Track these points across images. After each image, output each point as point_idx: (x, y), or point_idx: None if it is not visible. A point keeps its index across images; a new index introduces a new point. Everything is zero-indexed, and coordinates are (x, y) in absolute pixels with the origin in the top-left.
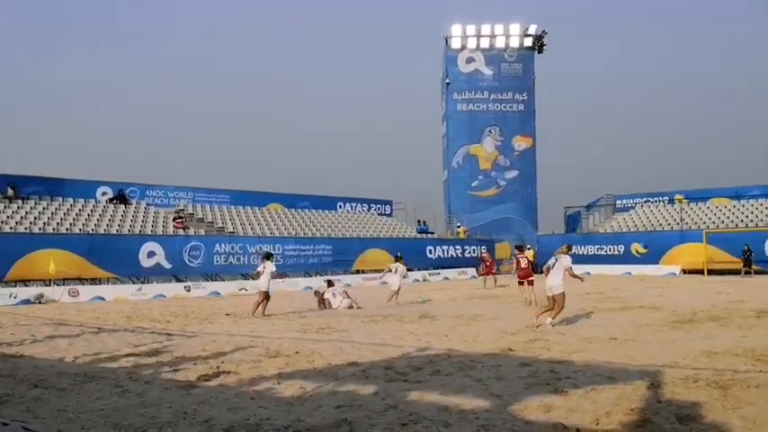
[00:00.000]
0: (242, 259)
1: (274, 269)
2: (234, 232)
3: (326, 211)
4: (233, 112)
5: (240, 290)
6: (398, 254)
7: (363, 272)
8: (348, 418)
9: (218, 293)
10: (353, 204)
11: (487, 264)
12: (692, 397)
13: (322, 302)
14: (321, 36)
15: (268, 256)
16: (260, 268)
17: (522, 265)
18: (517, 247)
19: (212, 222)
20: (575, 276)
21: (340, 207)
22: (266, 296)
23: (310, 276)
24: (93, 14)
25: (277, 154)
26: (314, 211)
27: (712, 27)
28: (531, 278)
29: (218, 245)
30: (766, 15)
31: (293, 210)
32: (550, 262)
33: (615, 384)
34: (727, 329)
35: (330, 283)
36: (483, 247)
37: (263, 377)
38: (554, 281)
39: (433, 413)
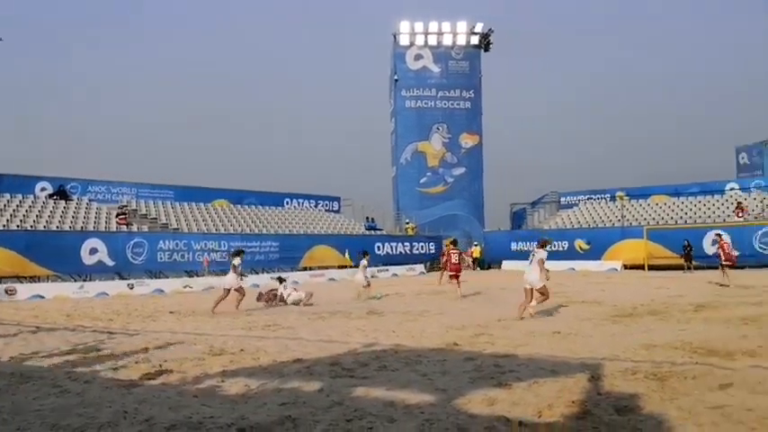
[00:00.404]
0: (186, 256)
1: (238, 264)
2: (178, 229)
3: (273, 208)
4: (184, 107)
5: (185, 287)
6: (364, 249)
7: (311, 269)
8: (292, 415)
9: (162, 291)
10: (301, 201)
11: (446, 259)
12: (630, 389)
13: (272, 300)
14: (265, 28)
15: (238, 253)
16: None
17: (453, 260)
18: (451, 242)
19: (156, 219)
20: (543, 269)
21: (287, 203)
22: (241, 292)
23: (257, 273)
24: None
25: (222, 149)
26: (260, 207)
27: (652, 25)
28: (460, 273)
29: (162, 242)
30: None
31: (239, 206)
32: (530, 258)
33: (557, 377)
34: (665, 323)
35: (281, 280)
36: (445, 240)
37: (207, 375)
38: (532, 276)
39: (378, 408)
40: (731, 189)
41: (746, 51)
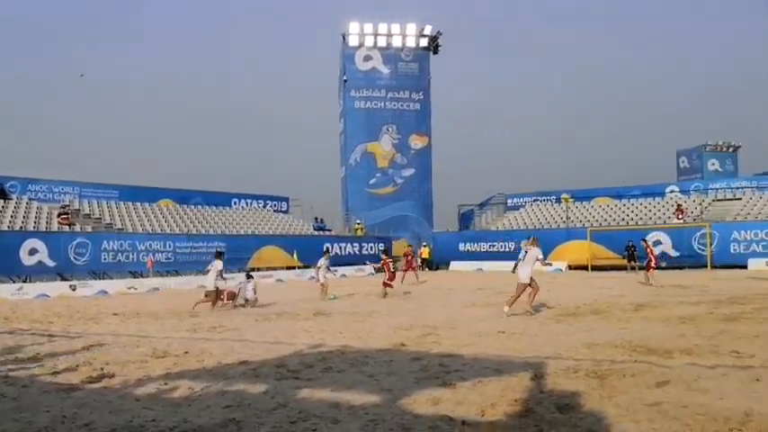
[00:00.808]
0: (131, 257)
1: (221, 268)
2: (123, 229)
3: (220, 208)
4: (126, 104)
5: (129, 288)
6: (326, 246)
7: (259, 269)
8: (236, 417)
9: (106, 292)
10: (248, 201)
11: (408, 259)
12: (572, 387)
13: (233, 298)
14: (215, 27)
15: (218, 255)
16: (209, 266)
17: (391, 269)
18: (384, 252)
19: (100, 218)
20: (544, 263)
21: (234, 203)
22: (216, 294)
23: (204, 275)
24: None
25: (169, 148)
26: (207, 207)
27: (595, 30)
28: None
29: (105, 242)
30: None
31: (185, 206)
32: (521, 255)
33: (501, 376)
34: (607, 322)
35: (249, 276)
36: (409, 244)
37: (150, 378)
38: (524, 271)
39: (323, 410)
40: (671, 192)
41: (686, 58)
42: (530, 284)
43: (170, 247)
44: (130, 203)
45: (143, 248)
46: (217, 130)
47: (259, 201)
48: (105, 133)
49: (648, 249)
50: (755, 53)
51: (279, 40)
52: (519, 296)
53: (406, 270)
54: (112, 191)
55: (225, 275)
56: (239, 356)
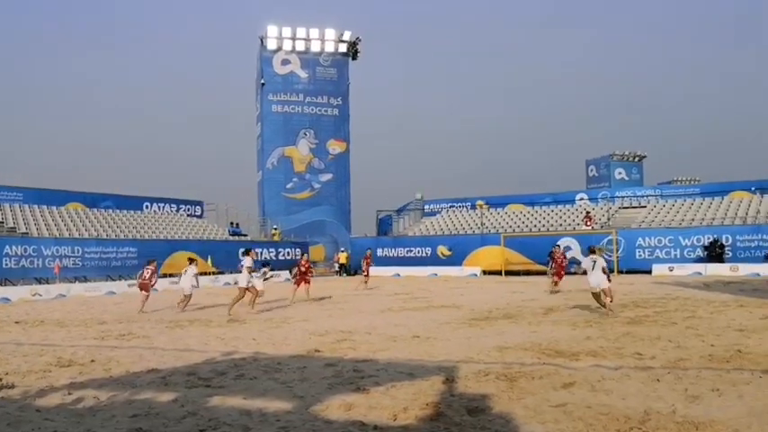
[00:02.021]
0: (36, 262)
1: (196, 271)
2: (27, 233)
3: (132, 212)
4: (34, 104)
5: (33, 295)
6: (247, 248)
7: (171, 275)
8: (143, 427)
9: (8, 299)
10: (161, 205)
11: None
12: (482, 390)
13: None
14: (130, 25)
15: (247, 252)
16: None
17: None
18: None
19: (2, 222)
20: (606, 273)
21: (146, 207)
22: (253, 291)
23: (113, 280)
24: None
25: (78, 150)
26: (118, 211)
27: (510, 39)
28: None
29: (8, 247)
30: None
31: (95, 209)
32: (587, 264)
33: (414, 380)
34: (518, 326)
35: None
36: (368, 249)
37: (53, 388)
38: (598, 278)
39: (233, 418)
40: (581, 199)
41: (596, 72)
42: (607, 290)
43: (78, 252)
44: (36, 207)
45: (49, 253)
46: (129, 132)
47: (172, 205)
48: (9, 134)
49: (561, 257)
50: (662, 69)
51: (195, 41)
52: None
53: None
54: (17, 193)
55: (255, 271)
56: (148, 364)
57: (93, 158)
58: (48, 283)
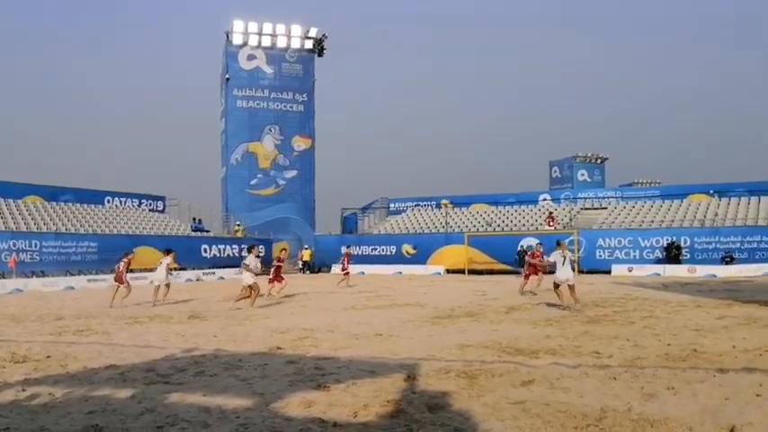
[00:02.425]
0: None
1: (169, 261)
2: None
3: (92, 206)
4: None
5: None
6: (167, 248)
7: (132, 271)
8: (99, 423)
9: None
10: (123, 199)
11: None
12: (442, 387)
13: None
14: (95, 18)
15: (250, 249)
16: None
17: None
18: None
19: None
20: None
21: (108, 202)
22: (255, 288)
23: (73, 275)
24: None
25: (38, 143)
26: (78, 205)
27: (477, 40)
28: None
29: None
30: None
31: (54, 203)
32: (557, 258)
33: (375, 378)
34: (479, 324)
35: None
36: (348, 246)
37: (6, 384)
38: (569, 272)
39: (192, 414)
40: (544, 200)
41: (559, 74)
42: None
43: (36, 246)
44: None
45: (5, 247)
46: (92, 127)
47: (134, 199)
48: None
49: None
50: (625, 72)
51: (159, 34)
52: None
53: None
54: None
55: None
56: (107, 360)
57: (53, 152)
58: (3, 278)
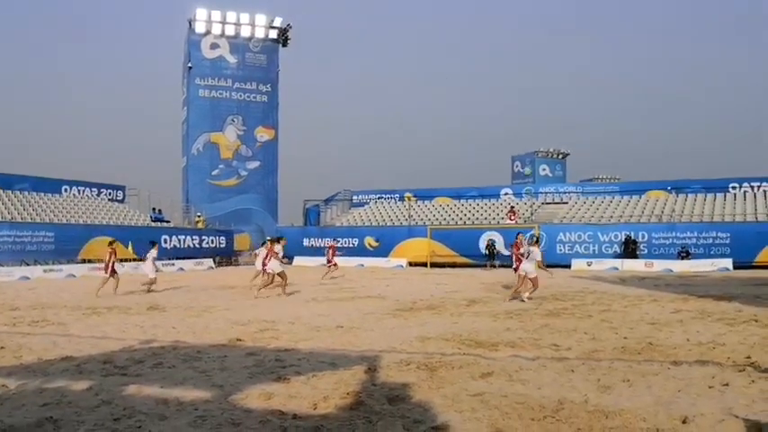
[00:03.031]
0: None
1: (155, 254)
2: None
3: (49, 195)
4: None
5: None
6: (152, 240)
7: (90, 261)
8: (54, 416)
9: None
10: (81, 188)
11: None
12: (403, 379)
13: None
14: (50, 4)
15: (278, 240)
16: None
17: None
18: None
19: None
20: (542, 267)
21: (65, 191)
22: (283, 276)
23: (28, 265)
24: None
25: None
26: (34, 193)
27: (445, 35)
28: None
29: None
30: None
31: (9, 191)
32: (523, 250)
33: (336, 370)
34: (440, 317)
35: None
36: (328, 239)
37: None
38: (529, 266)
39: (149, 406)
40: (506, 194)
41: (523, 70)
42: (533, 279)
43: None
44: None
45: None
46: (50, 113)
47: (93, 189)
48: None
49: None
50: (588, 69)
51: (120, 21)
52: (536, 286)
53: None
54: None
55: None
56: (62, 352)
57: (8, 139)
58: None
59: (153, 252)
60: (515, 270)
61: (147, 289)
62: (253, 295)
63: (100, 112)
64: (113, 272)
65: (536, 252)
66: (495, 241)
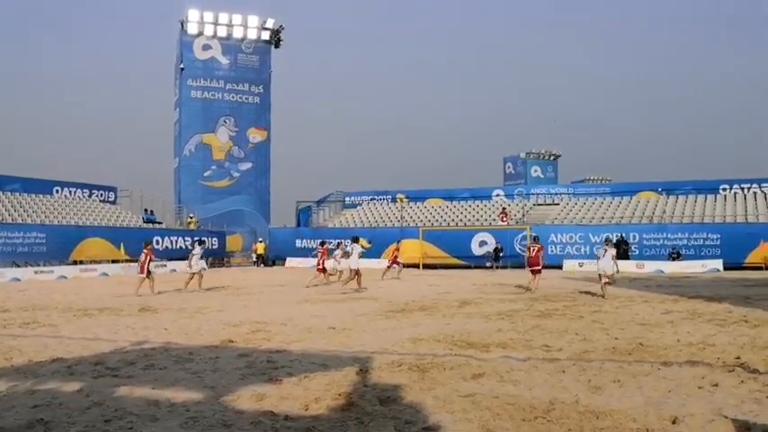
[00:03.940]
0: None
1: (201, 252)
2: None
3: (40, 196)
4: None
5: None
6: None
7: (81, 262)
8: (45, 417)
9: None
10: (72, 189)
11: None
12: (394, 380)
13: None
14: (42, 2)
15: (356, 240)
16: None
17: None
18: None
19: None
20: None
21: (57, 192)
22: (358, 273)
23: (19, 267)
24: None
25: None
26: (25, 194)
27: (438, 35)
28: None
29: None
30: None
31: (0, 192)
32: (600, 252)
33: (328, 371)
34: (432, 318)
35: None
36: (320, 241)
37: None
38: (606, 264)
39: (141, 408)
40: (497, 195)
41: (515, 71)
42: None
43: None
44: None
45: None
46: (42, 114)
47: (84, 190)
48: None
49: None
50: (581, 72)
51: (112, 21)
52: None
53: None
54: None
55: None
56: (53, 353)
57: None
58: None
59: (355, 246)
60: (533, 272)
61: (200, 287)
62: (340, 291)
63: (92, 112)
64: (149, 272)
65: (611, 252)
66: (502, 246)
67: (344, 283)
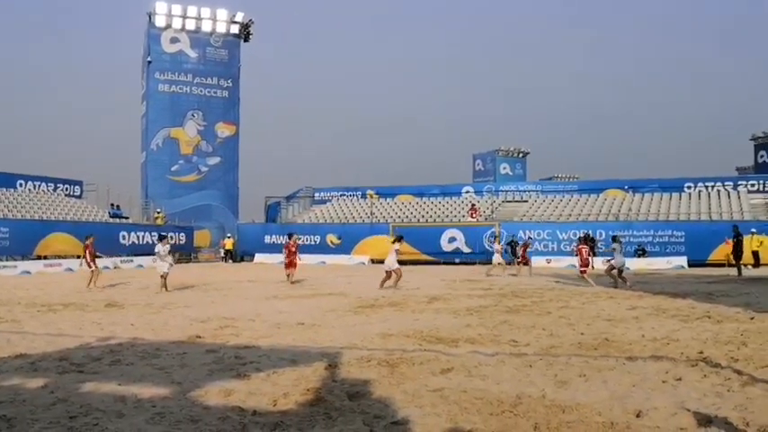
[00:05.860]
0: None
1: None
2: None
3: (3, 190)
4: None
5: None
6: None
7: (46, 257)
8: (7, 414)
9: None
10: (37, 183)
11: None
12: (363, 375)
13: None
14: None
15: (399, 239)
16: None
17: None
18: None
19: None
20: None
21: (20, 185)
22: (397, 272)
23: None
24: None
25: None
26: None
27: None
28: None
29: None
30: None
31: None
32: (616, 247)
33: (296, 367)
34: (401, 314)
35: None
36: (287, 234)
37: None
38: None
39: (107, 404)
40: (467, 192)
41: (483, 68)
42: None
43: None
44: None
45: None
46: (2, 106)
47: (49, 183)
48: None
49: (580, 251)
50: (548, 71)
51: (79, 12)
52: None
53: (520, 262)
54: None
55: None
56: (16, 349)
57: None
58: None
59: (397, 245)
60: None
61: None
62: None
63: (56, 105)
64: (89, 265)
65: (620, 247)
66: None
67: (394, 285)
